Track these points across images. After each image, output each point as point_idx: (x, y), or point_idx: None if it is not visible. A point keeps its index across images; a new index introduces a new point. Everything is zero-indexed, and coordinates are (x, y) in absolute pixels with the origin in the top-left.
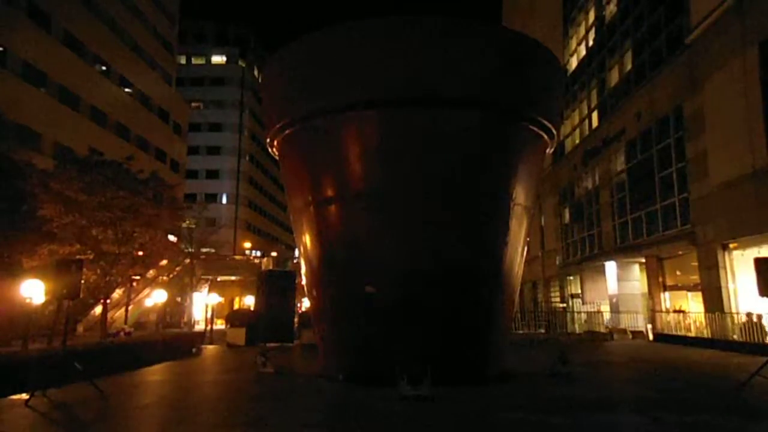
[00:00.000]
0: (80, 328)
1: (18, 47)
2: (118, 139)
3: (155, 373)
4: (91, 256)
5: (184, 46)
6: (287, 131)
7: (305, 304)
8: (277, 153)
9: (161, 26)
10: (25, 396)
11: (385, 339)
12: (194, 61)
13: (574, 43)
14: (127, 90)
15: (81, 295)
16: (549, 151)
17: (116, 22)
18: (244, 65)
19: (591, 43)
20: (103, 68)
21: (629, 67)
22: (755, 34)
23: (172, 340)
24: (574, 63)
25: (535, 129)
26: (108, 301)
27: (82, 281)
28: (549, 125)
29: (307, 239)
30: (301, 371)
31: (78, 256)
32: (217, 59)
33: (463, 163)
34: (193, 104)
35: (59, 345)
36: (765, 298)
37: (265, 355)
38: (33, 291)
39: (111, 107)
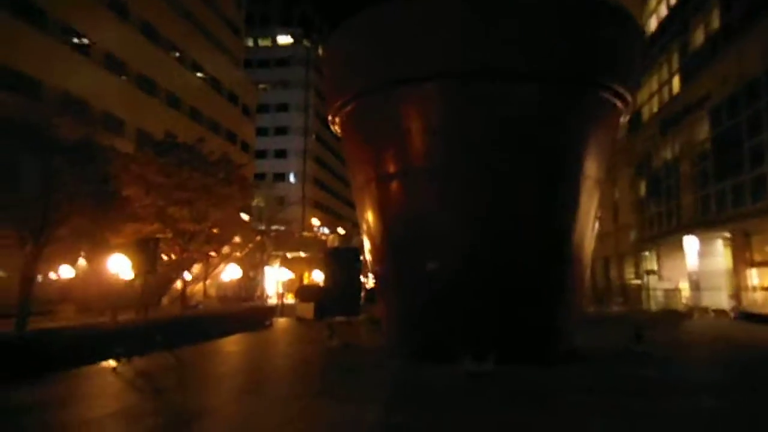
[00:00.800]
0: (165, 301)
1: (100, 38)
2: (191, 122)
3: (230, 344)
4: (170, 235)
5: (251, 29)
6: (348, 107)
7: (371, 279)
8: (338, 130)
9: (229, 11)
10: (113, 363)
11: (448, 315)
12: (260, 43)
13: (654, 1)
14: (198, 74)
15: (160, 271)
16: (624, 119)
17: (187, 8)
18: (308, 45)
19: (673, 1)
20: (177, 54)
21: (716, 25)
22: None
23: (246, 313)
24: (653, 24)
25: (608, 96)
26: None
27: (163, 257)
28: (623, 92)
29: (369, 215)
30: (366, 345)
31: (158, 235)
32: (283, 40)
33: (529, 135)
34: (261, 86)
35: (146, 316)
36: None
37: (332, 329)
38: (120, 266)
39: (184, 92)
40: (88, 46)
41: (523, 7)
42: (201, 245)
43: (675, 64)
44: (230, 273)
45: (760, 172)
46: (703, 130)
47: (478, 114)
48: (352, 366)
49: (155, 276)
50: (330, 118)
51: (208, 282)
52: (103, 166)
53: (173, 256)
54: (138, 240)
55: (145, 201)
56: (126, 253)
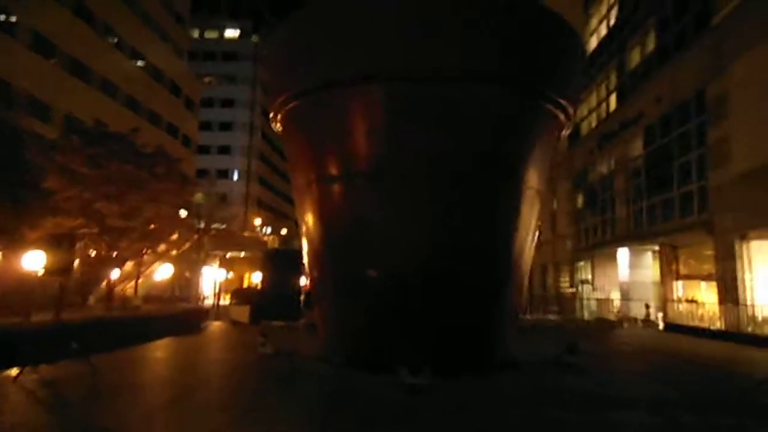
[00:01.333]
0: (92, 300)
1: (28, 17)
2: (129, 112)
3: (156, 349)
4: (96, 230)
5: (198, 20)
6: (291, 105)
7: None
8: (280, 128)
9: None
10: (14, 371)
11: (385, 323)
12: (207, 35)
13: (594, 21)
14: (139, 63)
15: (82, 269)
16: (565, 132)
17: None
18: (257, 39)
19: (612, 21)
20: (115, 40)
21: (651, 48)
22: None
23: (177, 316)
24: (593, 43)
25: (552, 108)
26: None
27: (91, 254)
28: (566, 104)
29: (308, 217)
30: (301, 352)
31: (83, 230)
32: (231, 33)
33: (473, 141)
34: (206, 79)
35: (64, 317)
36: None
37: (265, 335)
38: (37, 263)
39: (122, 80)
40: (13, 24)
41: (468, 10)
42: (132, 242)
43: (613, 83)
44: (163, 272)
45: (687, 188)
46: (637, 147)
47: (423, 117)
48: (284, 376)
49: (80, 273)
50: (271, 115)
51: (140, 281)
52: (21, 152)
53: (101, 253)
54: (52, 235)
55: (69, 193)
56: (41, 248)
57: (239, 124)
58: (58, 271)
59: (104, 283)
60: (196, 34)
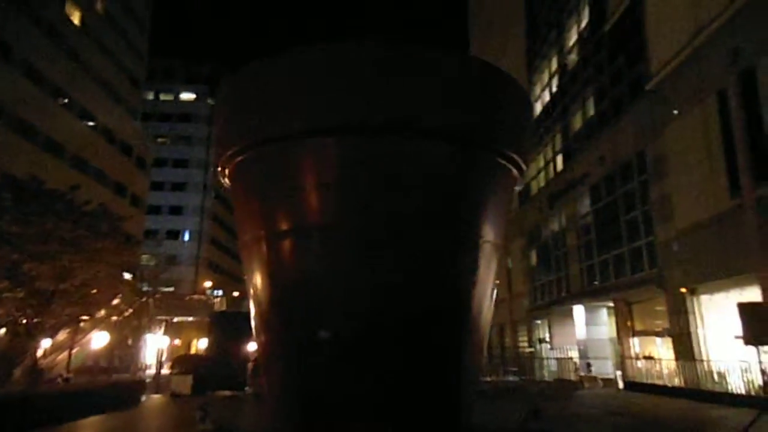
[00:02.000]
0: (17, 373)
1: None
2: (74, 171)
3: (83, 429)
4: (21, 294)
5: (153, 83)
6: (239, 158)
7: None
8: (228, 182)
9: (128, 61)
10: None
11: (338, 390)
12: (162, 97)
13: (538, 89)
14: (88, 122)
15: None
16: (517, 189)
17: (81, 55)
18: (212, 102)
19: (554, 89)
20: (64, 100)
21: (592, 112)
22: (713, 81)
23: (111, 389)
24: (538, 108)
25: (505, 163)
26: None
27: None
28: (518, 159)
29: (256, 276)
30: (246, 428)
31: (5, 294)
32: (186, 96)
33: (428, 196)
34: (160, 140)
35: None
36: (752, 345)
37: (205, 409)
38: None
39: (69, 139)
40: None
41: (417, 66)
42: (64, 307)
43: (558, 144)
44: (99, 340)
45: (636, 244)
46: (585, 205)
47: (376, 171)
48: None
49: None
50: (219, 169)
51: (75, 351)
52: None
53: (29, 320)
54: None
55: None
56: None
57: (192, 185)
58: None
59: (34, 355)
60: (151, 96)
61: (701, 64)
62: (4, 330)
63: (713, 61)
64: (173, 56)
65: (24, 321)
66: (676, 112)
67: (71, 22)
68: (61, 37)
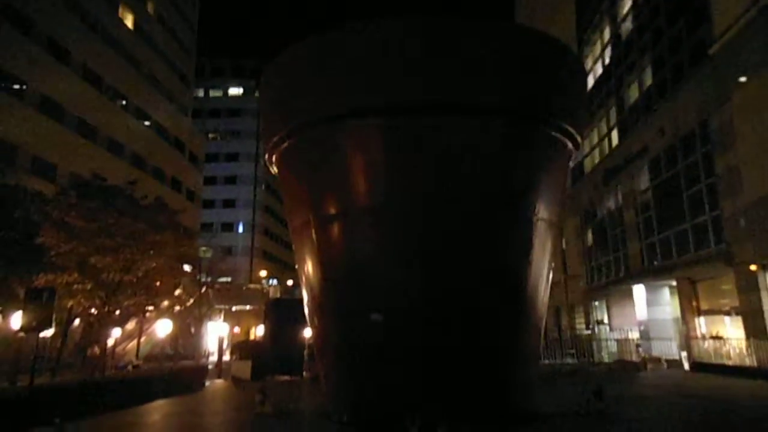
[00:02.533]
0: (92, 360)
1: (36, 81)
2: (134, 169)
3: (146, 414)
4: (89, 286)
5: (203, 80)
6: (285, 144)
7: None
8: (276, 170)
9: (179, 61)
10: None
11: (394, 375)
12: (212, 93)
13: (590, 61)
14: (144, 122)
15: (75, 329)
16: (571, 164)
17: (134, 56)
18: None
19: (607, 60)
20: (122, 101)
21: (649, 82)
22: None
23: (175, 375)
24: (590, 82)
25: (560, 136)
26: (119, 333)
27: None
28: (573, 132)
29: (307, 261)
30: (304, 410)
31: (76, 286)
32: (234, 91)
33: (481, 174)
34: (211, 135)
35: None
36: None
37: (264, 393)
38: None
39: (127, 138)
40: (22, 88)
41: (466, 40)
42: (129, 297)
43: (613, 119)
44: (163, 328)
45: (700, 220)
46: (643, 180)
47: (422, 151)
48: None
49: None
50: (267, 156)
51: (143, 340)
52: (13, 210)
53: (100, 311)
54: (27, 291)
55: (63, 248)
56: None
57: (244, 178)
58: (34, 327)
59: (105, 343)
60: (201, 93)
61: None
62: (78, 321)
63: None
64: (221, 53)
65: (94, 311)
66: (743, 79)
67: (125, 25)
68: (115, 39)
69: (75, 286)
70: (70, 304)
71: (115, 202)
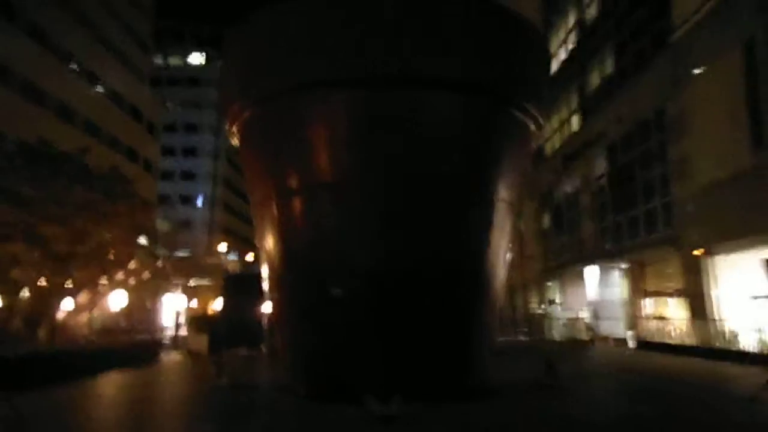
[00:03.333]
0: (41, 333)
1: None
2: (86, 136)
3: (99, 386)
4: (36, 255)
5: (162, 46)
6: (246, 113)
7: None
8: (237, 140)
9: (136, 24)
10: None
11: (352, 347)
12: (171, 61)
13: (554, 46)
14: (98, 88)
15: (23, 300)
16: (534, 144)
17: (88, 18)
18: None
19: (571, 46)
20: (73, 64)
21: (610, 70)
22: (739, 32)
23: (129, 348)
24: (554, 67)
25: (523, 117)
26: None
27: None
28: (536, 114)
29: (267, 235)
30: (260, 383)
31: (23, 256)
32: (195, 59)
33: (441, 150)
34: (169, 104)
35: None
36: None
37: (221, 365)
38: None
39: (79, 104)
40: None
41: (431, 14)
42: (80, 269)
43: (574, 104)
44: (117, 301)
45: (652, 205)
46: (600, 165)
47: (385, 126)
48: (235, 410)
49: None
50: (227, 126)
51: (96, 313)
52: None
53: (50, 282)
54: None
55: (8, 217)
56: None
57: (204, 150)
58: None
59: (54, 315)
60: (160, 60)
61: (727, 15)
62: (27, 293)
63: (739, 11)
64: (181, 17)
65: (44, 282)
66: (697, 71)
67: None
68: None
69: (22, 256)
70: (15, 274)
71: (66, 169)
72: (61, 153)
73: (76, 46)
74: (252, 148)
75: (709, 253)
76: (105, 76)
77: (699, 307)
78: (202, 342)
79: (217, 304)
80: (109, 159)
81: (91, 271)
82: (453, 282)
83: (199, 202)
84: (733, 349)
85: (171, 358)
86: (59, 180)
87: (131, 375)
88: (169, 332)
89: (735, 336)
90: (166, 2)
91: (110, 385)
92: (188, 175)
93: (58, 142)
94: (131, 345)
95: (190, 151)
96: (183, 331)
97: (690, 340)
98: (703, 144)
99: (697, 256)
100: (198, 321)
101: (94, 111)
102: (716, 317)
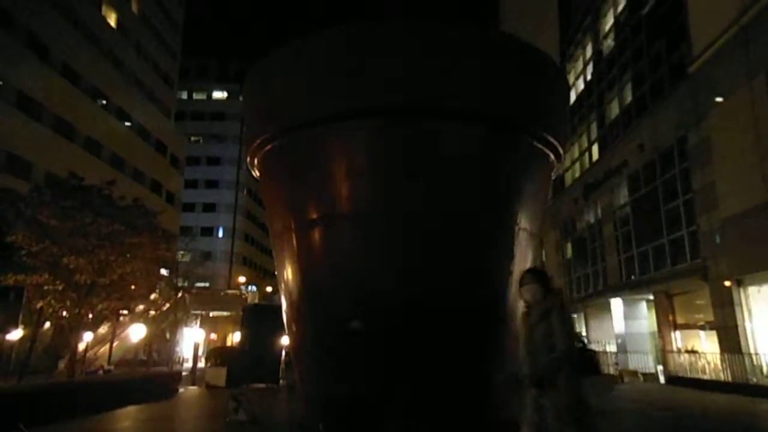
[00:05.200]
0: (62, 365)
1: (13, 77)
2: (112, 169)
3: (119, 419)
4: (60, 287)
5: (186, 82)
6: (268, 146)
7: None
8: (257, 172)
9: (162, 61)
10: None
11: (372, 383)
12: (195, 96)
13: (572, 77)
14: (125, 123)
15: (46, 332)
16: (554, 174)
17: (116, 56)
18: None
19: (589, 76)
20: (102, 101)
21: (629, 99)
22: (761, 61)
23: (147, 381)
24: (572, 97)
25: (542, 147)
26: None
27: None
28: (556, 143)
29: (287, 267)
30: (279, 419)
31: (46, 287)
32: (218, 95)
33: (464, 182)
34: (193, 138)
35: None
36: None
37: (238, 400)
38: None
39: (107, 139)
40: None
41: (450, 46)
42: (102, 300)
43: (594, 133)
44: (137, 333)
45: (677, 235)
46: (622, 195)
47: (408, 156)
48: None
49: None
50: (248, 159)
51: (116, 344)
52: None
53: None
54: None
55: (35, 248)
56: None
57: (225, 182)
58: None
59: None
60: (184, 95)
61: (748, 44)
62: (48, 324)
63: (761, 40)
64: (206, 55)
65: (65, 314)
66: (719, 99)
67: (107, 24)
68: (98, 38)
69: (46, 287)
70: (39, 305)
71: (92, 202)
72: (88, 186)
73: (105, 83)
74: (272, 180)
75: (741, 284)
76: (131, 111)
77: (732, 341)
78: (220, 375)
79: (236, 337)
80: (134, 191)
81: (113, 302)
82: (476, 314)
83: (220, 234)
84: None
85: (189, 391)
86: (85, 212)
87: (150, 409)
88: (188, 364)
89: None
90: (192, 40)
91: (128, 419)
92: (210, 207)
93: (85, 175)
94: (150, 377)
95: (212, 184)
96: (201, 363)
97: (723, 376)
98: (728, 173)
99: (728, 288)
100: (217, 354)
101: (120, 145)
102: (751, 351)
